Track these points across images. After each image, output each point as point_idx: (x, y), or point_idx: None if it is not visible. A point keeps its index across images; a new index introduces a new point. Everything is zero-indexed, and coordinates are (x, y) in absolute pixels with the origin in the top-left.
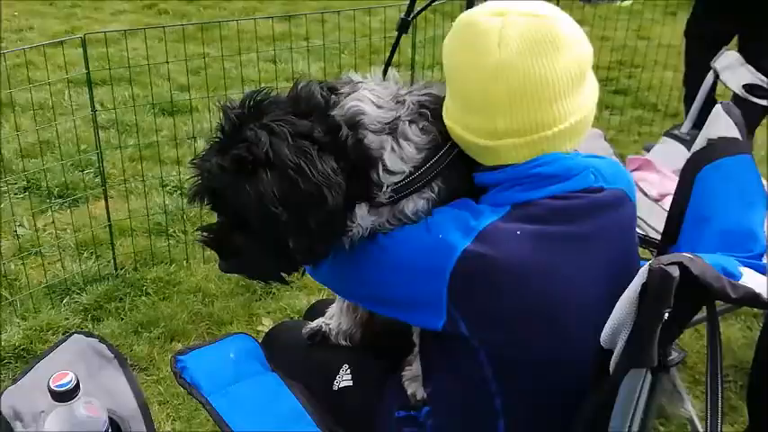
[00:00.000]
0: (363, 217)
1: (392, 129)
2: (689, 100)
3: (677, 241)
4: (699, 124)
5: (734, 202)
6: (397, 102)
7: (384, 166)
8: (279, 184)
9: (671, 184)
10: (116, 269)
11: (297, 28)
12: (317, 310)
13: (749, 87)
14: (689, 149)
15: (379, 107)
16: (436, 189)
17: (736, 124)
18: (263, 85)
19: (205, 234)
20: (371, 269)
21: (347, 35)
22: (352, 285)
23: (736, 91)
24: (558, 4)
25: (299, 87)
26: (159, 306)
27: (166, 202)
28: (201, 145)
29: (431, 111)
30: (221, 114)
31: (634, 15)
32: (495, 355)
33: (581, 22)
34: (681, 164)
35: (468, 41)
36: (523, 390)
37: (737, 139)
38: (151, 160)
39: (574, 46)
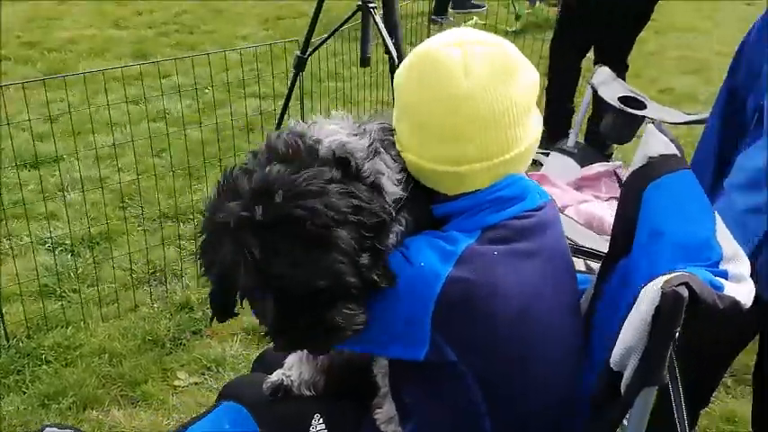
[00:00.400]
0: None
1: (375, 152)
2: (559, 100)
3: (630, 254)
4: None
5: (686, 215)
6: (361, 132)
7: (385, 190)
8: (353, 234)
9: (568, 197)
10: (7, 339)
11: (152, 66)
12: (267, 360)
13: (624, 99)
14: (577, 162)
15: (354, 135)
16: (404, 222)
17: (672, 141)
18: (130, 127)
19: (267, 330)
20: None
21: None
22: None
23: (613, 104)
24: (406, 27)
25: (275, 142)
26: (63, 374)
27: (51, 262)
28: (76, 197)
29: (393, 138)
30: (235, 221)
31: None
32: (483, 377)
33: None
34: (572, 176)
35: (431, 73)
36: (511, 408)
37: (677, 155)
38: (22, 218)
39: (527, 70)
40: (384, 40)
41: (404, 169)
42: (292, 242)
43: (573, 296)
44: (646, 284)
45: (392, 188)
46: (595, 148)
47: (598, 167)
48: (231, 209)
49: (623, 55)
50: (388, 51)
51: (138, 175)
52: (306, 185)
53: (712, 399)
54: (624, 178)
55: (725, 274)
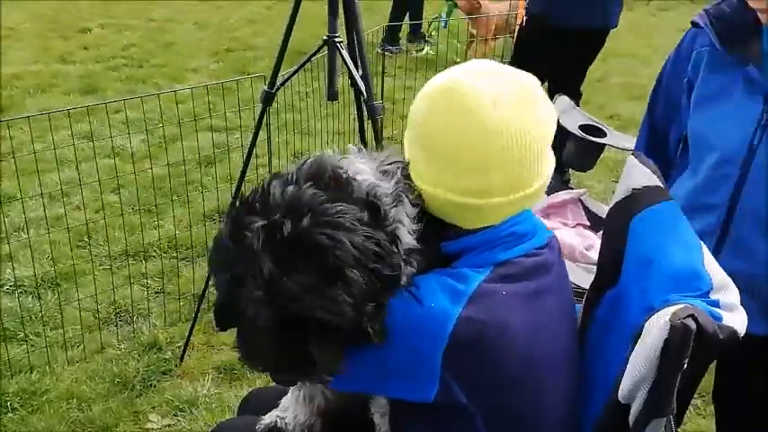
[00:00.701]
0: None
1: (398, 199)
2: None
3: (618, 284)
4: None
5: (675, 246)
6: (384, 173)
7: (400, 240)
8: (366, 280)
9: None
10: None
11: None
12: (254, 402)
13: (585, 127)
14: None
15: (381, 179)
16: (415, 264)
17: (654, 173)
18: (82, 164)
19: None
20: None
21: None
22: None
23: (574, 131)
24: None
25: (317, 166)
26: (30, 421)
27: (10, 304)
28: (33, 238)
29: (411, 182)
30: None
31: (431, 64)
32: (492, 419)
33: (386, 74)
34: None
35: (457, 104)
36: None
37: (660, 186)
38: None
39: (547, 103)
40: (351, 73)
41: (420, 218)
42: (309, 266)
43: (574, 334)
44: (649, 317)
45: (408, 238)
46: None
47: (563, 195)
48: (257, 219)
49: (577, 86)
50: (353, 84)
51: (95, 213)
52: (338, 217)
53: (684, 420)
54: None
55: (717, 304)
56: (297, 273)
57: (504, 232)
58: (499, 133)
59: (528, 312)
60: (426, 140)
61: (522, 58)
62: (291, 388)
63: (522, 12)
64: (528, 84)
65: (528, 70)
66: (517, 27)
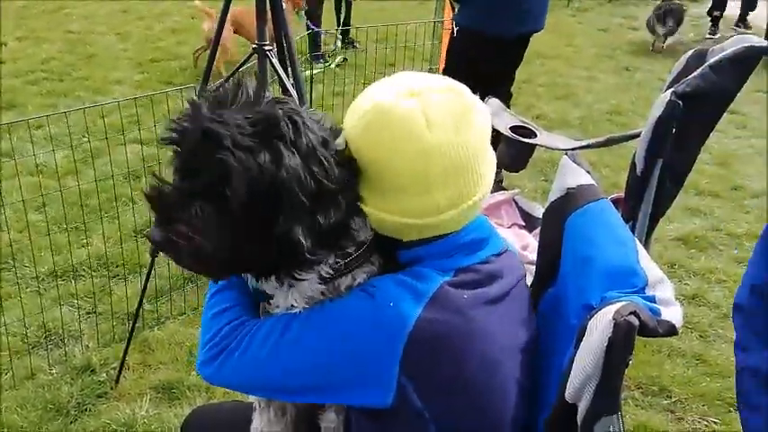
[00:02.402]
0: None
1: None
2: None
3: (556, 283)
4: None
5: (610, 243)
6: None
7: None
8: (305, 169)
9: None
10: None
11: (22, 115)
12: (197, 422)
13: (515, 128)
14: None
15: None
16: (376, 262)
17: (588, 172)
18: (3, 183)
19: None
20: (309, 351)
21: (82, 118)
22: (283, 374)
23: (505, 133)
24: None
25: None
26: None
27: None
28: None
29: None
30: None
31: (359, 69)
32: (446, 425)
33: (315, 81)
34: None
35: (391, 129)
36: None
37: (594, 185)
38: None
39: (480, 109)
40: (282, 82)
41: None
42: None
43: (532, 340)
44: (591, 315)
45: (364, 232)
46: None
47: (498, 196)
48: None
49: (508, 88)
50: (285, 92)
51: (19, 233)
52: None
53: (623, 413)
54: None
55: (653, 299)
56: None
57: (465, 239)
58: (439, 155)
59: (487, 317)
60: (364, 167)
61: (453, 65)
62: (258, 409)
63: (449, 21)
64: (457, 91)
65: (460, 76)
66: (447, 35)
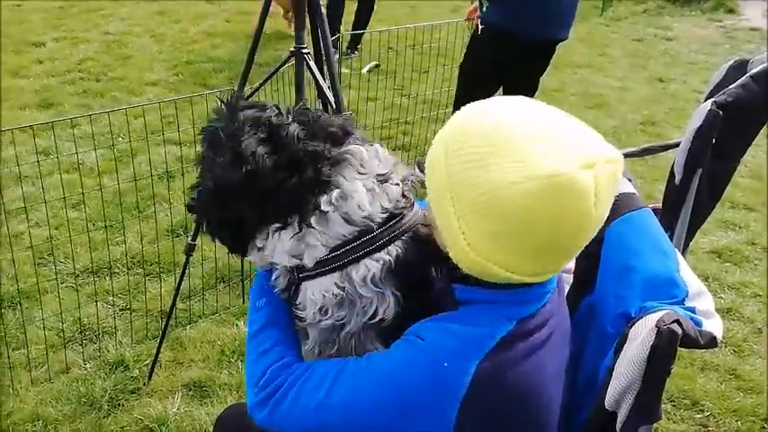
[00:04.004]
0: (280, 245)
1: (381, 180)
2: None
3: (593, 292)
4: None
5: (651, 253)
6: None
7: (342, 192)
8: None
9: None
10: None
11: (61, 115)
12: (230, 419)
13: None
14: None
15: (379, 161)
16: (394, 253)
17: (629, 180)
18: (43, 179)
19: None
20: (360, 408)
21: (118, 117)
22: (338, 425)
23: None
24: None
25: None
26: None
27: None
28: None
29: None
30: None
31: (391, 75)
32: None
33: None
34: None
35: (561, 199)
36: None
37: (635, 194)
38: None
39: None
40: (319, 85)
41: (407, 204)
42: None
43: (569, 353)
44: (631, 324)
45: (367, 206)
46: None
47: None
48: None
49: (532, 95)
50: (321, 96)
51: (55, 230)
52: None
53: (655, 426)
54: None
55: (693, 311)
56: None
57: (536, 289)
58: (593, 228)
59: (538, 365)
60: (504, 220)
61: (474, 67)
62: None
63: (475, 20)
64: (617, 163)
65: (482, 79)
66: (470, 34)
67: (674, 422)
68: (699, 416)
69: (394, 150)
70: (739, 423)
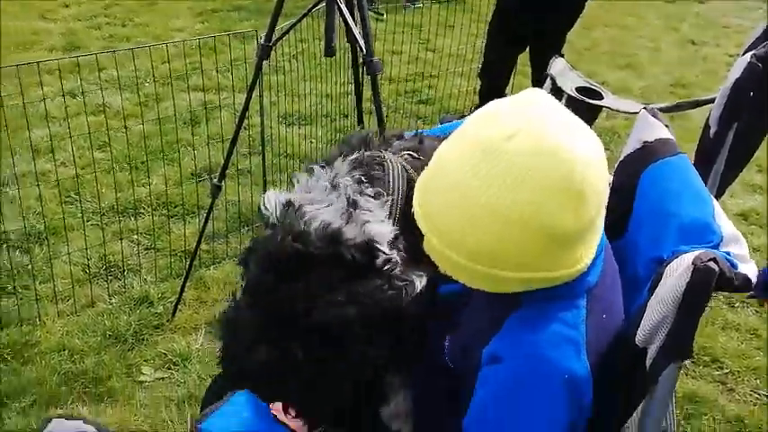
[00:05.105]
0: None
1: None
2: (490, 93)
3: (624, 235)
4: None
5: (687, 198)
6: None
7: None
8: None
9: None
10: None
11: (87, 59)
12: None
13: (581, 90)
14: None
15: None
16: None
17: (666, 126)
18: (70, 120)
19: None
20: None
21: (144, 62)
22: None
23: (571, 93)
24: None
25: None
26: (22, 372)
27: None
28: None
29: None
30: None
31: (416, 29)
32: None
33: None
34: None
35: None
36: None
37: (672, 139)
38: None
39: None
40: (349, 29)
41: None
42: None
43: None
44: (668, 263)
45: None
46: None
47: None
48: None
49: (557, 50)
50: (351, 41)
51: (82, 169)
52: None
53: None
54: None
55: (726, 256)
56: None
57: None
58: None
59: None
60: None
61: (501, 19)
62: None
63: None
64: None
65: (508, 33)
66: None
67: (693, 378)
68: (717, 372)
69: (418, 104)
70: (758, 381)
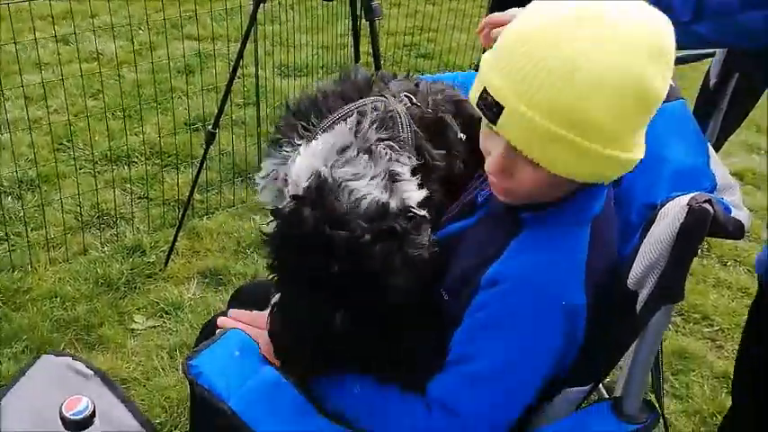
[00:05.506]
0: None
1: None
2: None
3: (621, 183)
4: None
5: (682, 144)
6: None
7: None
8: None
9: None
10: None
11: (80, 5)
12: (244, 295)
13: None
14: None
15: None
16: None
17: None
18: (62, 67)
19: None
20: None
21: (138, 9)
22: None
23: None
24: None
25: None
26: (14, 318)
27: None
28: (8, 139)
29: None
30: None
31: None
32: None
33: None
34: None
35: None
36: None
37: (672, 85)
38: None
39: None
40: None
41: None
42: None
43: None
44: (662, 206)
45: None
46: None
47: None
48: None
49: None
50: None
51: (74, 117)
52: None
53: (663, 337)
54: None
55: (722, 201)
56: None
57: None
58: None
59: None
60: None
61: None
62: None
63: None
64: None
65: None
66: None
67: (683, 334)
68: (707, 330)
69: (417, 58)
70: None
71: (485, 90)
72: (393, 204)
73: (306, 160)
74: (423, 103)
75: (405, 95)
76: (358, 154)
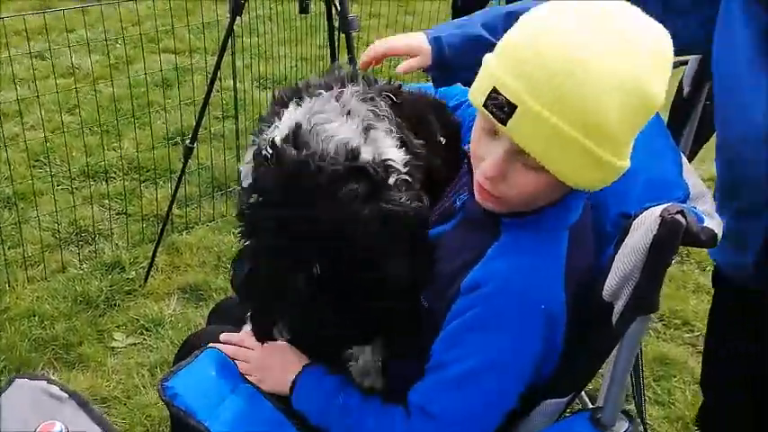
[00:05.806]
0: None
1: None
2: None
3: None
4: None
5: (654, 154)
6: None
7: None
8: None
9: None
10: None
11: (55, 19)
12: (223, 310)
13: None
14: None
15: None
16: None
17: None
18: (38, 82)
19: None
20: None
21: (114, 23)
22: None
23: None
24: None
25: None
26: None
27: None
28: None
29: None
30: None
31: None
32: None
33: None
34: None
35: None
36: None
37: None
38: None
39: None
40: None
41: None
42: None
43: None
44: (635, 217)
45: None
46: None
47: None
48: None
49: None
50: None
51: (51, 133)
52: None
53: (644, 343)
54: None
55: (694, 211)
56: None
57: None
58: None
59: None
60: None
61: None
62: None
63: None
64: None
65: None
66: None
67: (664, 340)
68: (688, 335)
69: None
70: None
71: (494, 90)
72: (367, 151)
73: (287, 121)
74: (404, 102)
75: (386, 95)
76: (339, 109)
